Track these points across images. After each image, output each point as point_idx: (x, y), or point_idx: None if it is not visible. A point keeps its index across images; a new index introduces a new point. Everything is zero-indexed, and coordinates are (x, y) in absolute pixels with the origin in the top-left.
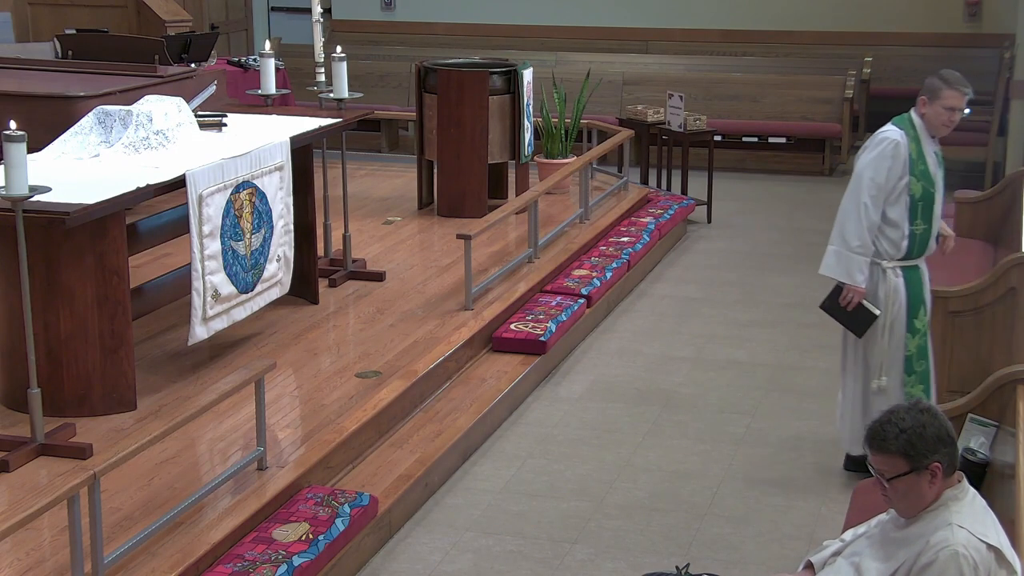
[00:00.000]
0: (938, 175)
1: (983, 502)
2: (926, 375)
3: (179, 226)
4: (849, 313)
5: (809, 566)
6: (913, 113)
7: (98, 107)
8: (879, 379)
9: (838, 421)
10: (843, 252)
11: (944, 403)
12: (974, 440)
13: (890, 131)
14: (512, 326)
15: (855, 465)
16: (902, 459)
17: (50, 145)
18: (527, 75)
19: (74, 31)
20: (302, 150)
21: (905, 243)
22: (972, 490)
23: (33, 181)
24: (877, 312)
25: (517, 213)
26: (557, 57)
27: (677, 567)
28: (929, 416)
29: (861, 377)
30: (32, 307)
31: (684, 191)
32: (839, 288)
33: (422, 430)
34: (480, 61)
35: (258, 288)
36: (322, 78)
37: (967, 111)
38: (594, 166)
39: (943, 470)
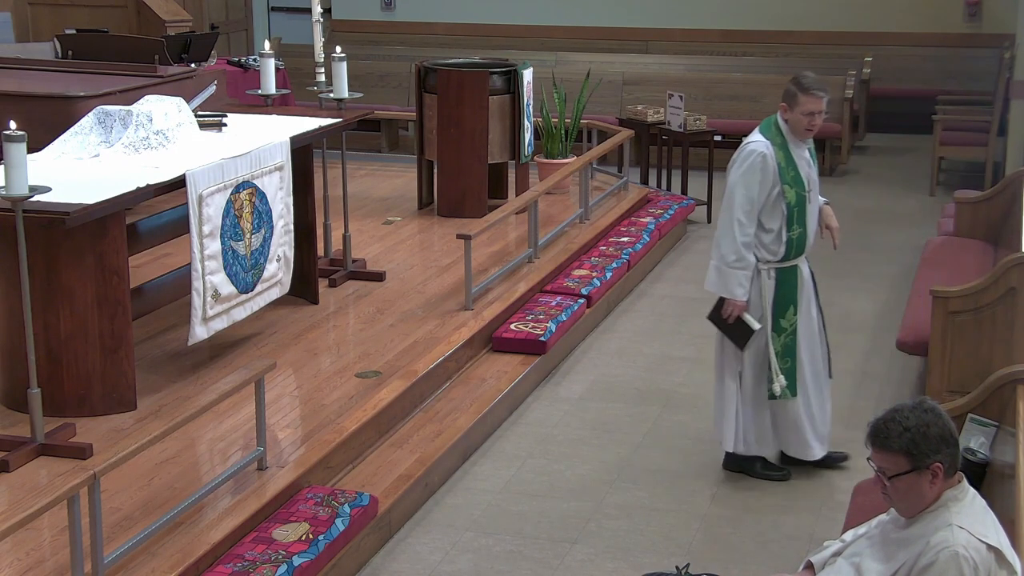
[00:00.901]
0: (812, 175)
1: (983, 502)
2: (791, 372)
3: (179, 226)
4: (731, 325)
5: (809, 566)
6: (778, 118)
7: (98, 107)
8: (777, 378)
9: (716, 419)
10: (722, 267)
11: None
12: (974, 440)
13: (756, 143)
14: (512, 326)
15: (736, 465)
16: (904, 457)
17: (50, 145)
18: (527, 75)
19: (74, 31)
20: (302, 150)
21: (783, 248)
22: (972, 490)
23: (33, 181)
24: (756, 327)
25: (517, 213)
26: (557, 57)
27: (677, 567)
28: (933, 416)
29: (738, 376)
30: (32, 307)
31: (684, 191)
32: (722, 300)
33: (422, 430)
34: (480, 61)
35: (258, 288)
36: (322, 78)
37: (825, 113)
38: (594, 166)
39: (944, 470)
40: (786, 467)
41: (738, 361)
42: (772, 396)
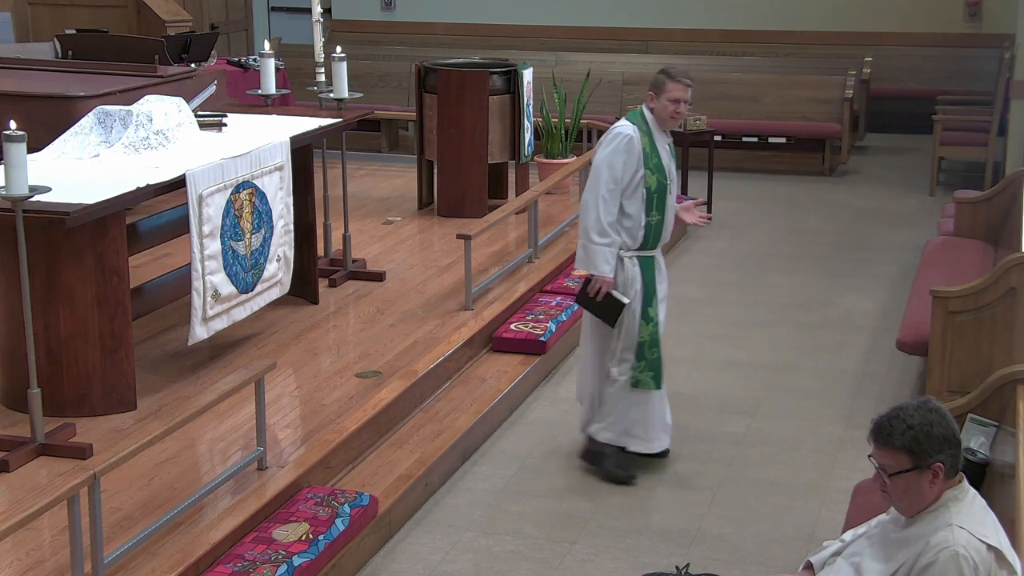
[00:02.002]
0: (671, 167)
1: (983, 502)
2: (657, 363)
3: (179, 226)
4: (600, 304)
5: (809, 566)
6: (644, 108)
7: (98, 107)
8: (617, 366)
9: (586, 405)
10: (588, 245)
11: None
12: (974, 440)
13: (623, 126)
14: (512, 326)
15: (591, 457)
16: (906, 455)
17: (50, 145)
18: (527, 75)
19: (74, 31)
20: (302, 150)
21: (641, 234)
22: (972, 490)
23: (33, 181)
24: (625, 300)
25: (517, 213)
26: (557, 57)
27: (677, 567)
28: (937, 416)
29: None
30: (32, 307)
31: (684, 191)
32: (589, 280)
33: (422, 430)
34: (480, 61)
35: (258, 288)
36: (322, 78)
37: (689, 104)
38: None
39: (945, 471)
40: (635, 473)
41: (609, 351)
42: (635, 384)
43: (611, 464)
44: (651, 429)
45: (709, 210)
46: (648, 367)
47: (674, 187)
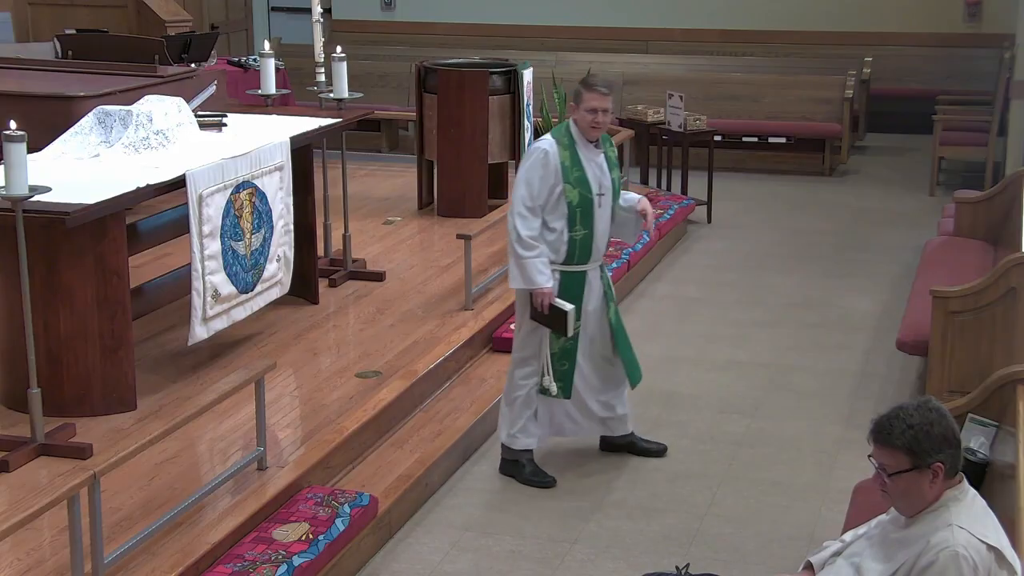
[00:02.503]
0: (604, 181)
1: (983, 503)
2: (567, 375)
3: (179, 226)
4: (548, 316)
5: (809, 567)
6: (570, 121)
7: (98, 107)
8: (546, 376)
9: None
10: (518, 261)
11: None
12: (974, 440)
13: (542, 141)
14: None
15: (507, 468)
16: (905, 455)
17: (50, 145)
18: (527, 75)
19: (74, 31)
20: (302, 150)
21: (564, 248)
22: (972, 491)
23: (33, 181)
24: (568, 307)
25: None
26: (557, 57)
27: (677, 567)
28: (938, 415)
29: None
30: (32, 307)
31: (684, 191)
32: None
33: (422, 430)
34: (480, 61)
35: (258, 288)
36: (322, 78)
37: (609, 113)
38: None
39: (945, 471)
40: (551, 476)
41: (536, 358)
42: (544, 392)
43: (528, 472)
44: (550, 428)
45: (709, 210)
46: (557, 377)
47: (606, 200)
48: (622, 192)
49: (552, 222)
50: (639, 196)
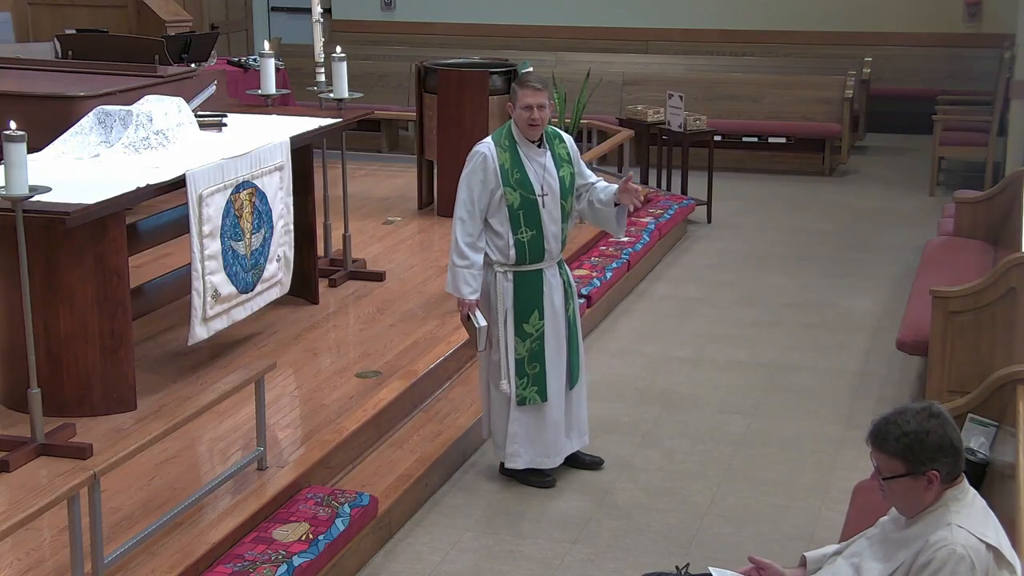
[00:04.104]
0: (550, 181)
1: (983, 502)
2: (540, 378)
3: (179, 226)
4: (467, 326)
5: (803, 563)
6: (511, 122)
7: (98, 107)
8: (505, 380)
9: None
10: (451, 267)
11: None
12: (974, 440)
13: (480, 144)
14: None
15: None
16: (899, 461)
17: (50, 145)
18: None
19: (74, 31)
20: (302, 150)
21: (512, 252)
22: (972, 490)
23: (33, 181)
24: (479, 324)
25: None
26: (557, 57)
27: (677, 567)
28: (935, 423)
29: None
30: (32, 307)
31: (684, 191)
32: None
33: (422, 430)
34: (480, 61)
35: (258, 288)
36: (322, 78)
37: (545, 108)
38: (594, 166)
39: (941, 478)
40: (551, 476)
41: (492, 363)
42: (521, 402)
43: (527, 472)
44: (546, 444)
45: (709, 210)
46: (531, 382)
47: (552, 200)
48: (606, 185)
49: (496, 225)
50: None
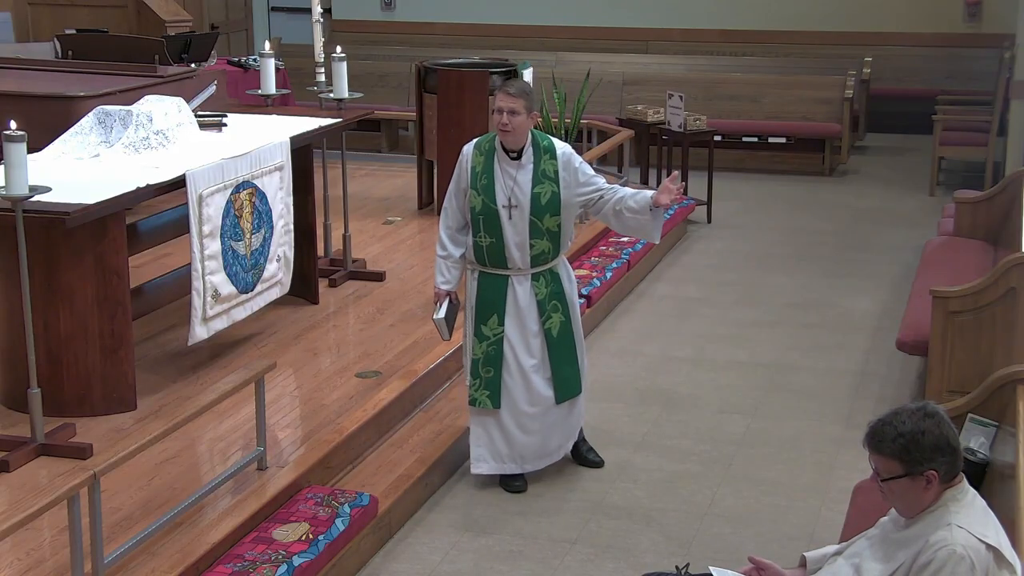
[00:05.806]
0: (520, 195)
1: (983, 502)
2: (493, 383)
3: (179, 226)
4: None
5: (802, 563)
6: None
7: (98, 107)
8: (469, 380)
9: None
10: (436, 257)
11: (944, 403)
12: (974, 440)
13: (468, 143)
14: None
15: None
16: (896, 463)
17: (50, 145)
18: (527, 75)
19: (74, 31)
20: (302, 150)
21: (473, 253)
22: (972, 490)
23: (33, 181)
24: (436, 315)
25: None
26: (557, 57)
27: (677, 567)
28: (931, 423)
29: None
30: (32, 307)
31: (684, 191)
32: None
33: (422, 430)
34: (480, 61)
35: (258, 288)
36: (322, 78)
37: (517, 114)
38: (594, 166)
39: (939, 478)
40: (521, 482)
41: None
42: (471, 402)
43: (502, 477)
44: (512, 449)
45: (709, 210)
46: (484, 385)
47: (520, 214)
48: (635, 192)
49: (469, 223)
50: (651, 192)
